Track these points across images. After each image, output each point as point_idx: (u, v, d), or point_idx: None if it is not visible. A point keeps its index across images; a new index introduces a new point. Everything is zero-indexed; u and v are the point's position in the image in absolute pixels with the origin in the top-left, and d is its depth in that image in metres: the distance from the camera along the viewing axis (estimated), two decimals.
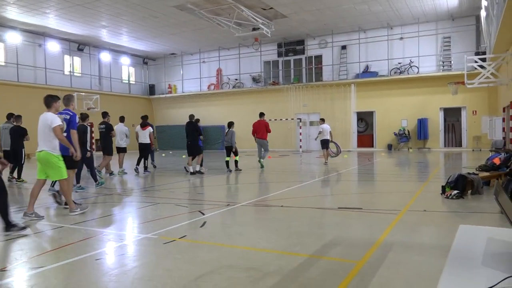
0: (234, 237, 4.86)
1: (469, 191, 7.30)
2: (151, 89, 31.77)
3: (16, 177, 10.60)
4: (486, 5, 16.36)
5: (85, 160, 8.82)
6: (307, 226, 5.32)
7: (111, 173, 11.92)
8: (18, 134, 10.32)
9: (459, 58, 21.65)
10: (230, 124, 12.83)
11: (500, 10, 11.18)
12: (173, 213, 6.33)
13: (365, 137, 25.80)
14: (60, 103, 6.31)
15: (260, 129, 12.94)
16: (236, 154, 12.72)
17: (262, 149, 13.08)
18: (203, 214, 6.17)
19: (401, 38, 23.81)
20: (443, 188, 7.36)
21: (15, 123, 10.54)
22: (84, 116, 9.52)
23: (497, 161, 8.53)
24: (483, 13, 18.13)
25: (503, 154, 8.95)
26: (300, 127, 24.81)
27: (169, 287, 3.26)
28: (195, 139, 12.10)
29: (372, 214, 6.02)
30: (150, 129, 12.72)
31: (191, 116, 12.50)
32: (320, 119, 16.26)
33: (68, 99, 6.95)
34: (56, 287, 3.34)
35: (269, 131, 13.13)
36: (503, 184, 6.89)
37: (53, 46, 24.59)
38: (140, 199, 8.06)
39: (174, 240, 4.67)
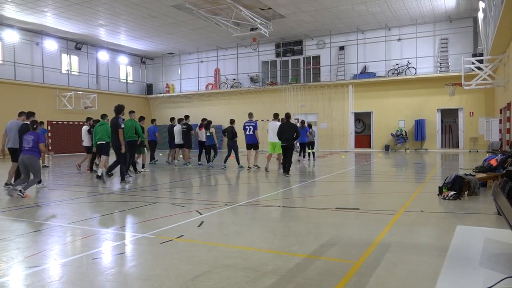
0: (232, 237, 4.85)
1: (466, 192, 7.33)
2: (149, 89, 31.70)
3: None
4: (483, 7, 16.44)
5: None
6: (304, 226, 5.32)
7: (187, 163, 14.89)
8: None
9: (457, 60, 21.77)
10: (310, 125, 17.55)
11: (498, 12, 11.23)
12: (170, 212, 6.32)
13: (363, 138, 25.85)
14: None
15: None
16: (312, 148, 17.21)
17: None
18: (201, 213, 6.17)
19: (399, 39, 23.87)
20: (440, 189, 7.38)
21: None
22: (232, 121, 13.95)
23: (493, 162, 8.57)
24: (480, 15, 18.22)
25: (499, 155, 8.99)
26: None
27: (166, 287, 3.25)
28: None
29: (369, 214, 6.03)
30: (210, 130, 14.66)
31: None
32: None
33: (251, 114, 13.59)
34: (52, 286, 3.33)
35: None
36: (500, 185, 6.91)
37: (50, 45, 24.53)
38: (137, 198, 8.04)
39: (171, 240, 4.66)
